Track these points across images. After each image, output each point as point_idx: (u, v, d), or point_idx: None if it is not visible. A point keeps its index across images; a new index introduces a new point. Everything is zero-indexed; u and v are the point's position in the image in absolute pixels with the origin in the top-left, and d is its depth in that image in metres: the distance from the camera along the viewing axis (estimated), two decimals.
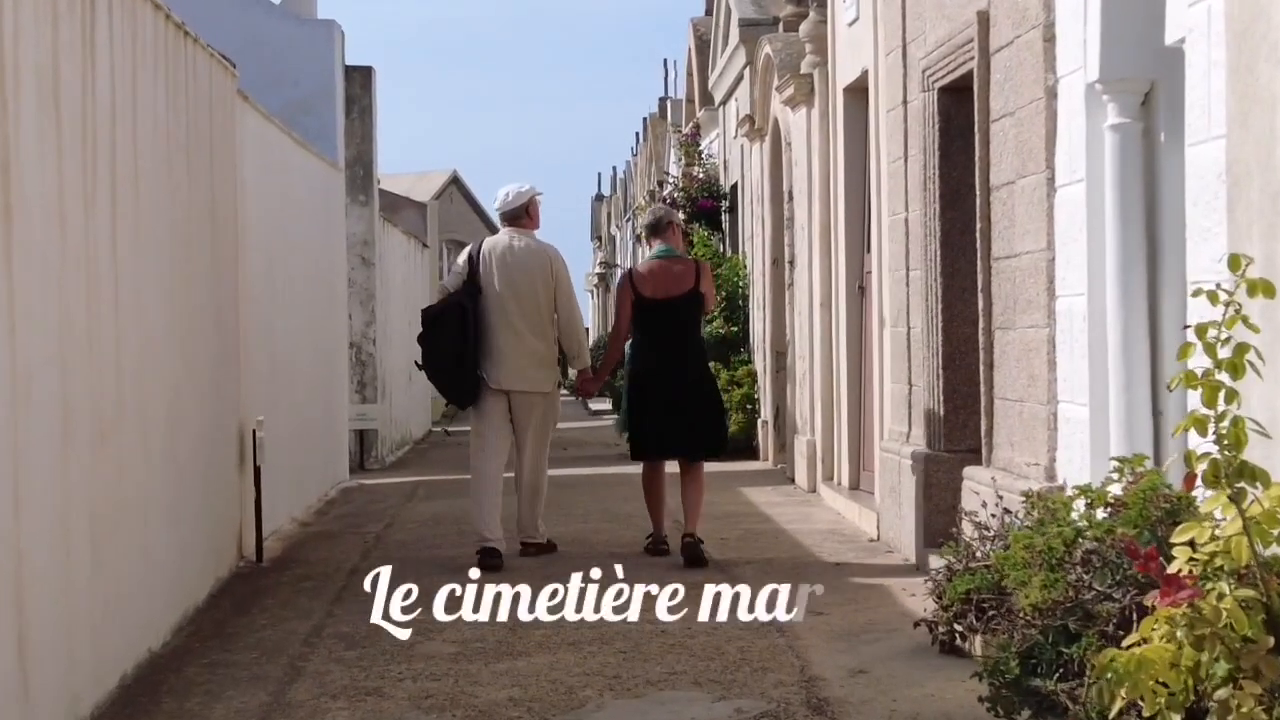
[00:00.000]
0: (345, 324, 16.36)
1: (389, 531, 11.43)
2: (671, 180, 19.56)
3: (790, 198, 13.66)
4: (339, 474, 15.10)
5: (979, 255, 8.22)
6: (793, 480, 13.61)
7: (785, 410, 14.30)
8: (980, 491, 7.97)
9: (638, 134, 35.50)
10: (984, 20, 8.08)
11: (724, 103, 18.07)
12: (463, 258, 9.71)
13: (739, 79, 16.44)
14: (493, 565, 9.27)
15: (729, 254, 17.37)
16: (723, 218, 17.87)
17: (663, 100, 28.84)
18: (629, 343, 9.89)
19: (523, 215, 9.78)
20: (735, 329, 16.41)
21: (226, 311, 9.51)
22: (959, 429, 9.17)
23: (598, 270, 51.68)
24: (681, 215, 18.23)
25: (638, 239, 33.82)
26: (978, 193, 8.21)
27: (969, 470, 8.39)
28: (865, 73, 11.06)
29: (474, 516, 9.59)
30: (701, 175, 18.19)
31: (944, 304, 9.16)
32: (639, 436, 9.78)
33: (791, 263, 13.68)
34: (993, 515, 6.81)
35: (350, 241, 18.22)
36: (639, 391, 9.73)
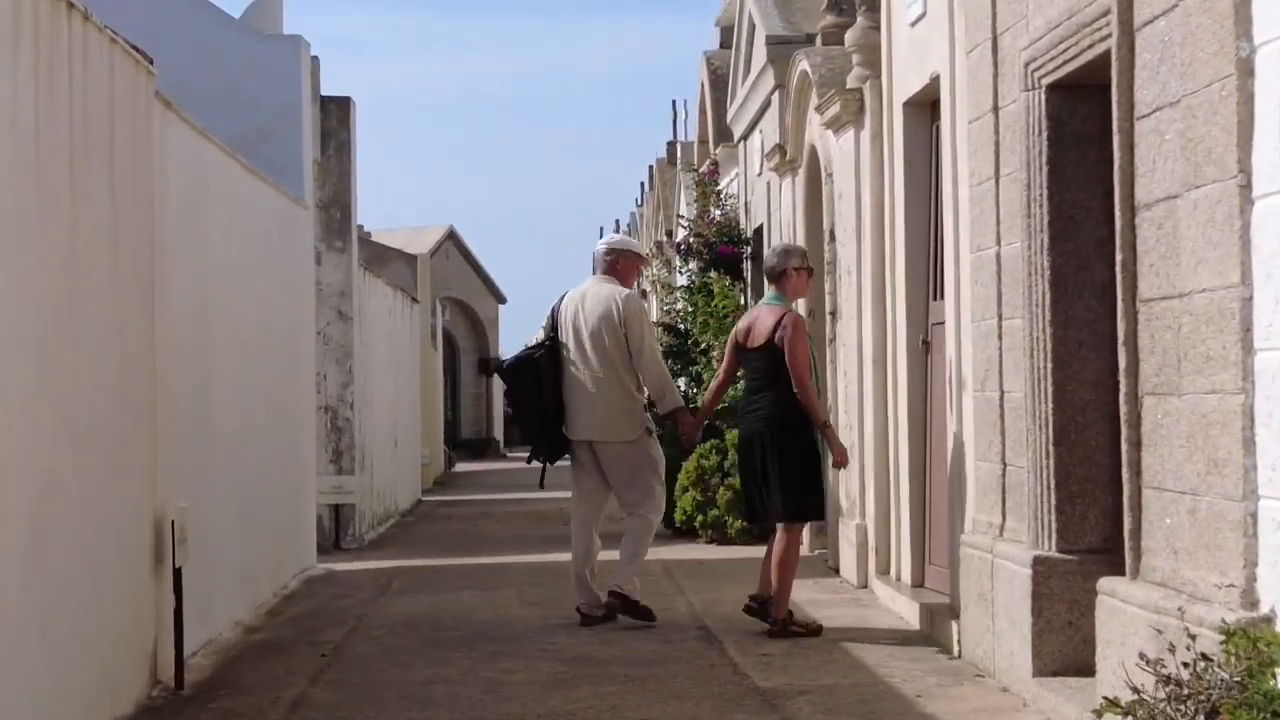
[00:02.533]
0: (314, 384, 14.30)
1: (351, 640, 9.33)
2: (686, 224, 17.56)
3: (832, 237, 11.62)
4: (303, 559, 13.00)
5: (1120, 297, 6.17)
6: (837, 571, 11.52)
7: (826, 487, 12.18)
8: (1132, 616, 5.89)
9: (643, 183, 33.53)
10: None
11: (745, 137, 16.07)
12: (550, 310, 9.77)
13: (765, 106, 14.44)
14: (592, 622, 9.42)
15: (752, 304, 15.30)
16: (745, 265, 15.82)
17: (671, 144, 26.84)
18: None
19: (609, 267, 9.73)
20: None
21: (135, 368, 7.46)
22: (1076, 523, 7.11)
23: None
24: (696, 264, 16.21)
25: (642, 293, 31.85)
26: (1118, 214, 6.17)
27: (1109, 584, 6.30)
28: (934, 80, 9.05)
29: (572, 575, 9.68)
30: (720, 218, 16.14)
31: (1055, 361, 7.11)
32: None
33: (834, 314, 11.63)
34: (1183, 663, 4.75)
35: (325, 292, 16.21)
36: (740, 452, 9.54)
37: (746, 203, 16.09)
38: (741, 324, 9.31)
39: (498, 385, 54.66)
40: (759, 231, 15.32)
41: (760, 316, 9.15)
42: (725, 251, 15.69)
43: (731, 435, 14.10)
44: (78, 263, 6.50)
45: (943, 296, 9.45)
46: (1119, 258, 6.17)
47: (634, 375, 9.48)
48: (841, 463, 9.21)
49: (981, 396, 8.06)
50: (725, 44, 21.61)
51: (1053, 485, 7.11)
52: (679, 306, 17.26)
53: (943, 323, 9.38)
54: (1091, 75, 6.77)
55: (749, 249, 15.75)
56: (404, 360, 23.14)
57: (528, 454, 9.97)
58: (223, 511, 9.60)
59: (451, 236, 51.40)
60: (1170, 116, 5.73)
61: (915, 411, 9.84)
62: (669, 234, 25.04)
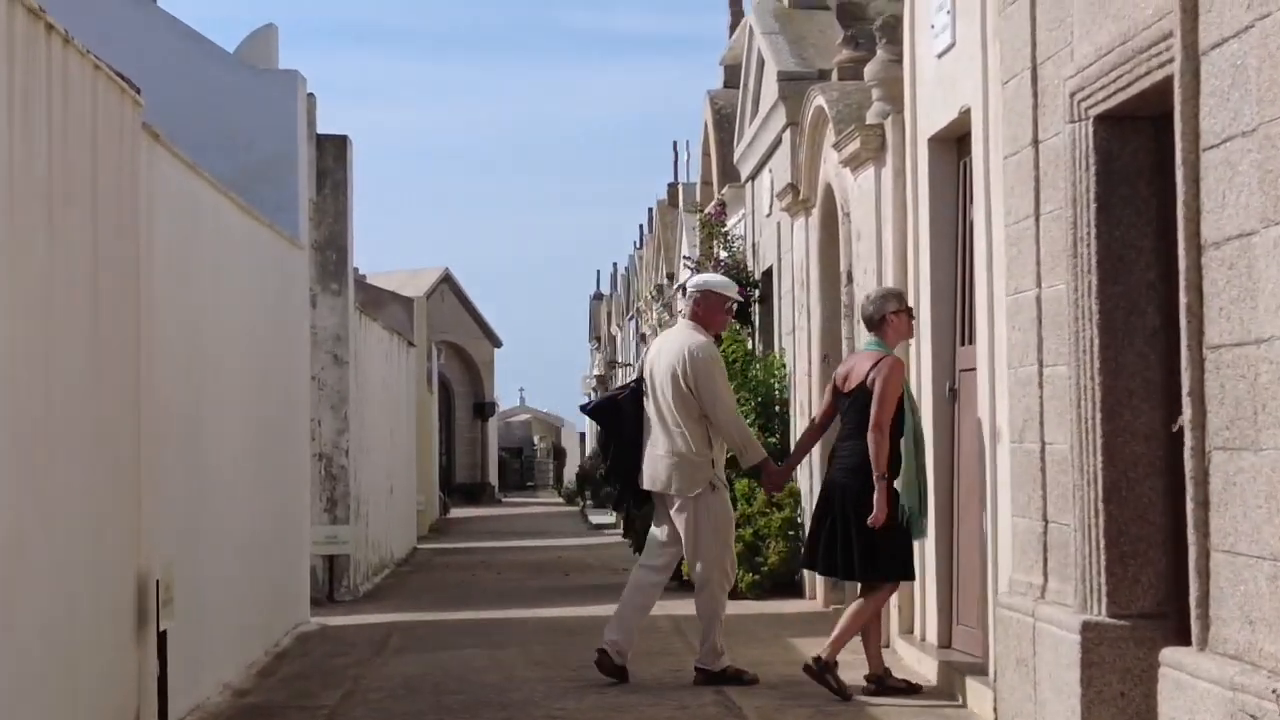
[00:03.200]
0: (308, 431, 13.79)
1: (348, 705, 8.80)
2: (691, 265, 17.08)
3: (849, 280, 11.15)
4: (296, 614, 12.48)
5: (1185, 344, 5.68)
6: None
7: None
8: (1203, 692, 5.39)
9: (641, 226, 33.13)
10: (1190, 6, 5.59)
11: (753, 177, 15.63)
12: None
13: (775, 145, 14.00)
14: (608, 671, 9.05)
15: (760, 352, 14.84)
16: (752, 309, 15.35)
17: (672, 185, 26.42)
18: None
19: (691, 312, 9.38)
20: (773, 440, 13.83)
21: (119, 417, 6.96)
22: (1128, 586, 6.62)
23: (596, 374, 49.20)
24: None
25: (641, 338, 31.38)
26: (1182, 254, 5.69)
27: (1174, 656, 5.80)
28: (963, 114, 8.59)
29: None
30: (727, 259, 15.66)
31: (1105, 412, 6.63)
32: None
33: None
34: None
35: (320, 336, 15.74)
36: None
37: (754, 244, 15.62)
38: (840, 369, 8.98)
39: (493, 429, 54.20)
40: (768, 273, 14.86)
41: (858, 361, 8.77)
42: None
43: (741, 484, 13.61)
44: (53, 309, 6.01)
45: (972, 341, 8.98)
46: (1183, 301, 5.69)
47: (703, 428, 9.07)
48: (875, 520, 8.52)
49: (1020, 449, 7.57)
50: (730, 83, 21.18)
51: (1103, 545, 6.62)
52: None
53: (973, 369, 8.91)
54: (1145, 105, 6.33)
55: (757, 292, 15.28)
56: (399, 405, 22.65)
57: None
58: (213, 567, 9.11)
59: (447, 279, 50.95)
60: (1244, 146, 5.26)
61: (942, 463, 9.35)
62: (670, 276, 24.58)
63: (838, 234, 11.63)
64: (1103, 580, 6.62)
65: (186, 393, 8.45)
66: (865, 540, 8.43)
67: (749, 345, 14.84)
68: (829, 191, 11.83)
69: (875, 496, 8.42)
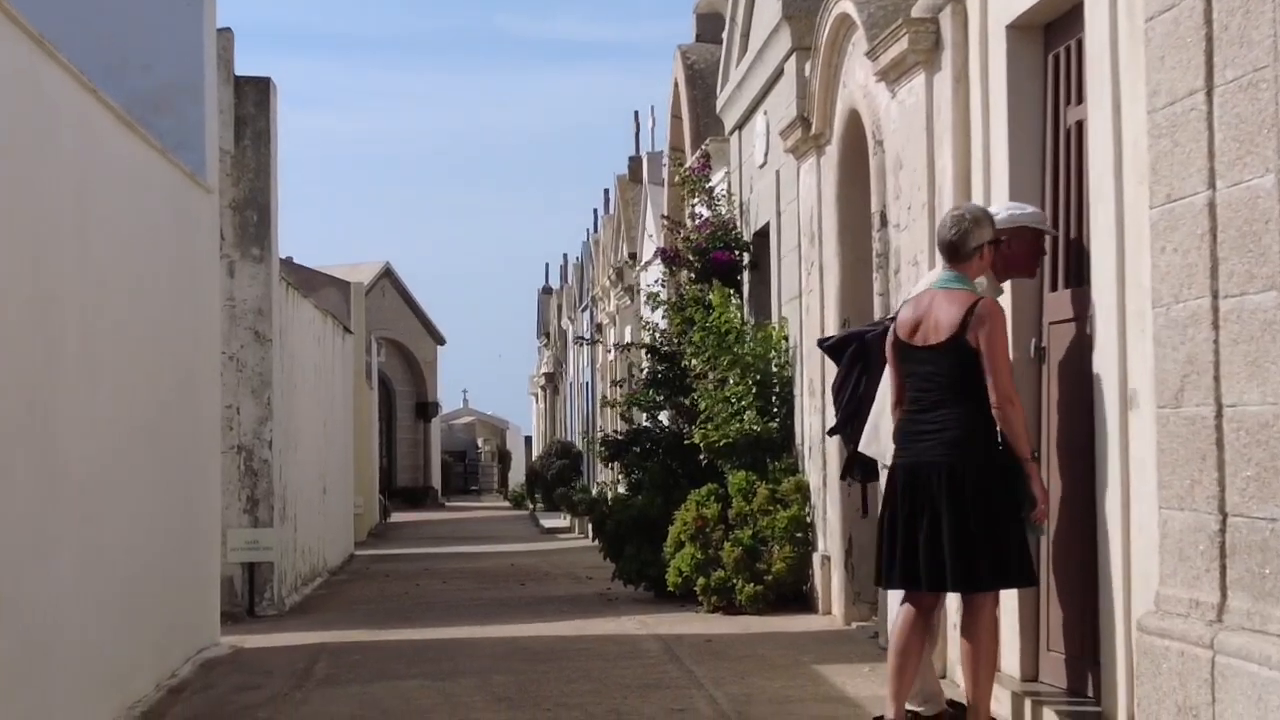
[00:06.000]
0: (219, 418, 11.59)
1: None
2: (665, 224, 14.98)
3: (884, 222, 9.05)
4: (202, 635, 10.27)
5: None
6: None
7: (868, 543, 9.53)
8: None
9: (596, 210, 30.96)
10: None
11: (741, 125, 13.52)
12: None
13: (774, 80, 11.90)
14: None
15: (752, 322, 12.73)
16: (742, 275, 13.24)
17: (634, 159, 24.27)
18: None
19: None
20: (773, 425, 11.73)
21: None
22: None
23: (545, 372, 47.00)
24: (688, 274, 13.62)
25: (597, 329, 29.21)
26: None
27: None
28: None
29: None
30: (713, 218, 13.53)
31: None
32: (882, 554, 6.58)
33: (894, 320, 9.00)
34: None
35: (239, 309, 13.57)
36: (888, 488, 6.58)
37: (743, 202, 13.51)
38: (906, 314, 6.60)
39: (436, 431, 51.91)
40: (762, 234, 12.75)
41: (935, 304, 6.46)
42: (720, 259, 13.09)
43: (737, 478, 11.51)
44: None
45: (1069, 285, 6.91)
46: None
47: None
48: (1040, 516, 6.44)
49: (1175, 415, 5.48)
50: (703, 36, 19.17)
51: None
52: (662, 325, 14.68)
53: (1070, 320, 6.84)
54: None
55: (748, 255, 13.18)
56: (335, 397, 20.41)
57: None
58: (77, 584, 6.93)
59: (388, 273, 48.64)
60: None
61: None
62: (632, 256, 22.49)
63: (864, 171, 9.54)
64: None
65: (32, 358, 6.27)
66: (990, 537, 6.28)
67: (740, 317, 12.69)
68: (853, 119, 9.73)
69: (1031, 485, 6.32)
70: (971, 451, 6.29)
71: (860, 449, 7.18)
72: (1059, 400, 6.99)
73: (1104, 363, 6.26)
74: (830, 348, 7.57)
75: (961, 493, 6.26)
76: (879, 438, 6.98)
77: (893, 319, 6.96)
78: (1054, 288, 7.14)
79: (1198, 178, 5.31)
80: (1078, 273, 6.84)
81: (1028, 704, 6.81)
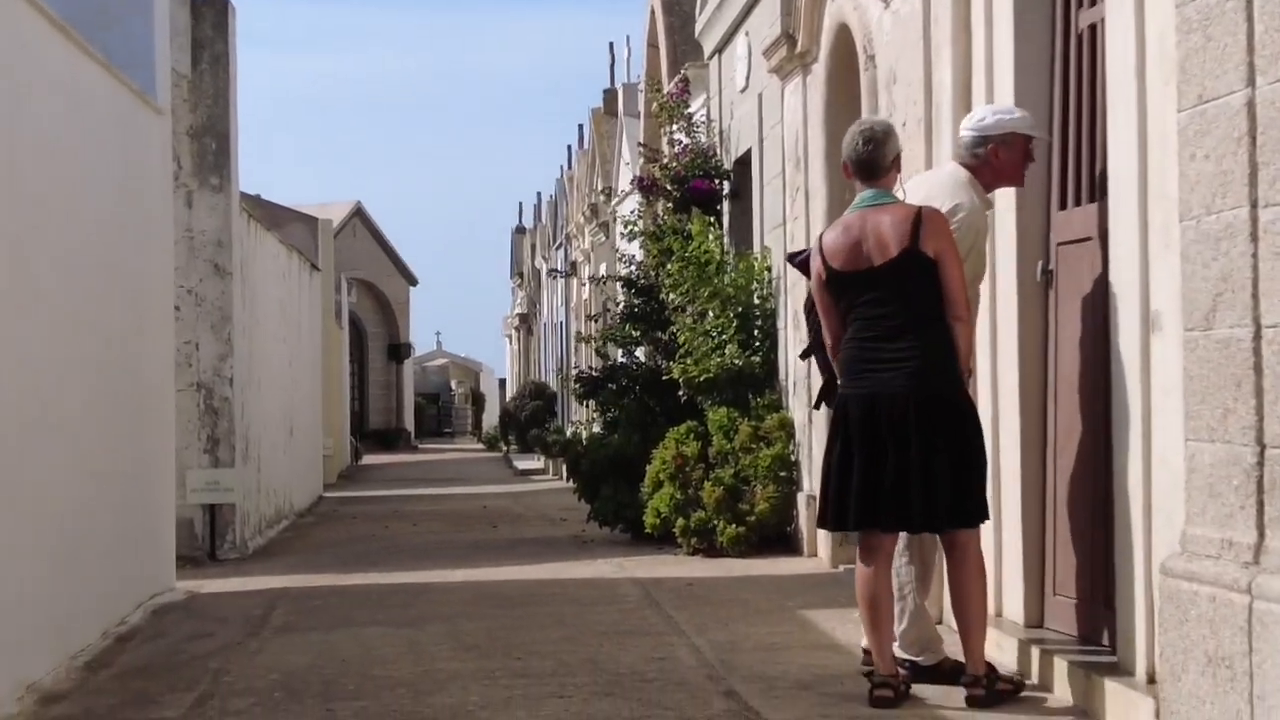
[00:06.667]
0: (173, 353, 11.05)
1: (195, 718, 6.14)
2: (643, 153, 14.43)
3: None
4: (155, 581, 9.76)
5: None
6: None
7: None
8: None
9: (570, 146, 30.36)
10: None
11: (721, 49, 12.98)
12: None
13: None
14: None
15: (732, 252, 12.21)
16: (722, 204, 12.71)
17: (609, 91, 23.69)
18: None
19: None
20: (756, 359, 11.23)
21: None
22: None
23: (519, 312, 46.46)
24: (666, 204, 13.09)
25: (571, 266, 28.66)
26: None
27: None
28: None
29: None
30: (692, 145, 12.98)
31: None
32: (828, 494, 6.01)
33: (806, 255, 8.45)
34: None
35: (198, 241, 13.04)
36: (839, 423, 6.01)
37: (723, 129, 12.97)
38: (835, 241, 6.00)
39: (409, 373, 51.38)
40: (744, 161, 12.22)
41: (871, 222, 5.94)
42: (700, 187, 12.57)
43: (718, 414, 11.02)
44: None
45: (1080, 201, 6.41)
46: None
47: None
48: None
49: (1205, 338, 4.98)
50: None
51: None
52: (639, 257, 14.16)
53: (1083, 239, 6.34)
54: None
55: (728, 184, 12.65)
56: (302, 334, 19.86)
57: None
58: (7, 534, 6.41)
59: (359, 213, 47.96)
60: None
61: (1031, 378, 6.75)
62: (607, 191, 21.93)
63: (853, 89, 9.01)
64: None
65: None
66: (957, 472, 5.83)
67: (720, 248, 12.17)
68: (842, 34, 9.20)
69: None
70: (943, 382, 5.80)
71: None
72: (1069, 327, 6.49)
73: (1123, 283, 5.75)
74: (801, 263, 6.73)
75: (933, 427, 5.76)
76: None
77: (803, 253, 6.46)
78: (1063, 205, 6.63)
79: (1234, 75, 4.80)
80: (1090, 188, 6.34)
81: (1035, 653, 6.34)
